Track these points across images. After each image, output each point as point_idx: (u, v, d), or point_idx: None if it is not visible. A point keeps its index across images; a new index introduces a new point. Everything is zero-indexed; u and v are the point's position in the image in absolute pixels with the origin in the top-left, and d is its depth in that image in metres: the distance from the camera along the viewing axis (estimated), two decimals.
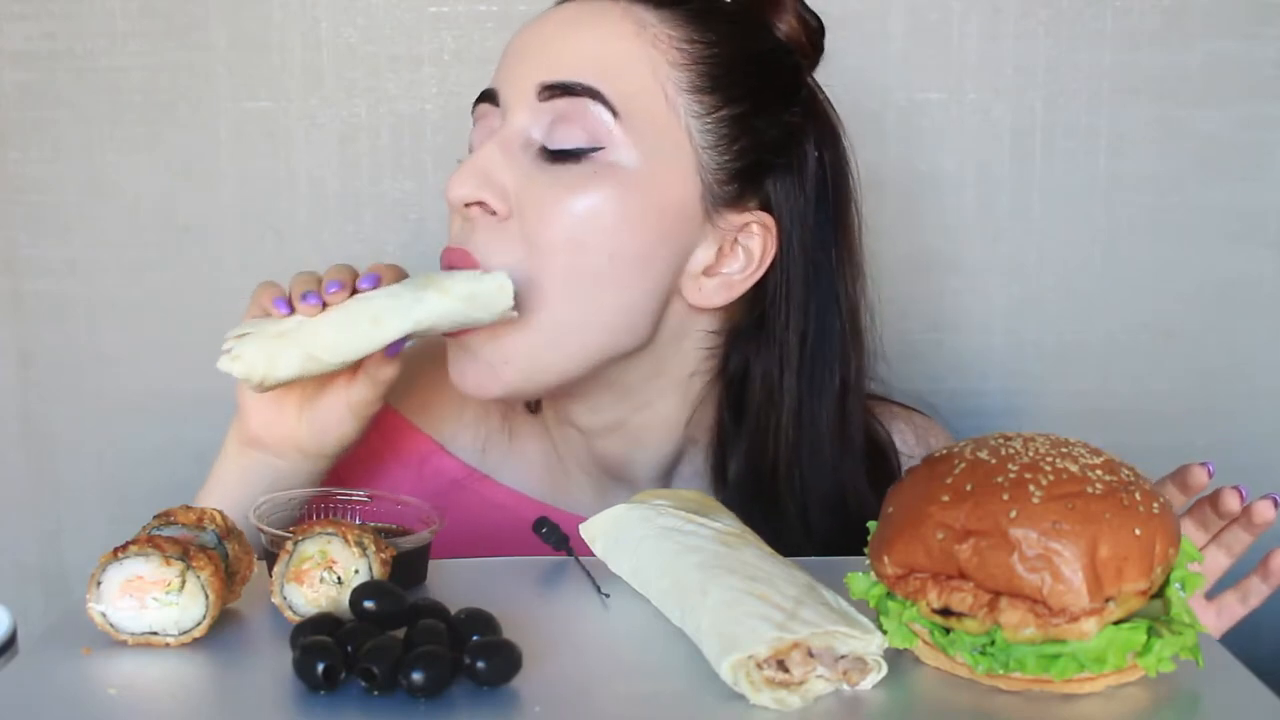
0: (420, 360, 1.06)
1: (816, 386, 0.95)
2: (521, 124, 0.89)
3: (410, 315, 0.84)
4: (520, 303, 0.85)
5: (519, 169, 0.88)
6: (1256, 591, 0.89)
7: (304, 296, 0.84)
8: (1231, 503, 0.87)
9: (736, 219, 0.91)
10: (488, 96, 0.92)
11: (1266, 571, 0.88)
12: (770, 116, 0.92)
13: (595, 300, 0.89)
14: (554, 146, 0.87)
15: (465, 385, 0.91)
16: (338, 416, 0.89)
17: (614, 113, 0.87)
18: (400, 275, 0.87)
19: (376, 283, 0.85)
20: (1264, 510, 0.87)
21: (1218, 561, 0.89)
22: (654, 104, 0.88)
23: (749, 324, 0.94)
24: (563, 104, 0.87)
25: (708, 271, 0.91)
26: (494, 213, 0.87)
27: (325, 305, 0.84)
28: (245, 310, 0.88)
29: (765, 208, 0.92)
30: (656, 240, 0.89)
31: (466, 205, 0.88)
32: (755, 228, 0.91)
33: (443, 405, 1.04)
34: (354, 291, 0.85)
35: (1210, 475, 0.88)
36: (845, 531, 0.93)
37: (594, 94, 0.87)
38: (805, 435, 0.95)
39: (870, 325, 0.99)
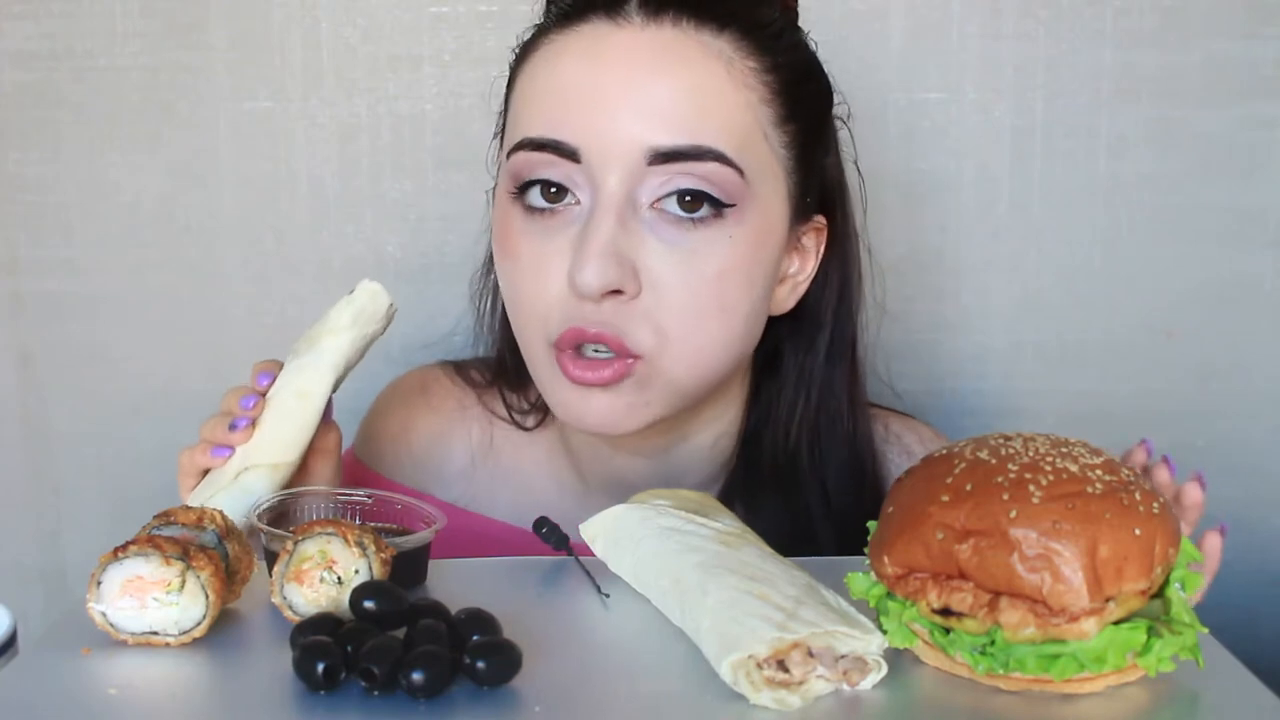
0: (388, 411, 1.06)
1: (836, 358, 0.96)
2: (626, 188, 0.83)
3: (324, 368, 0.85)
4: (661, 365, 0.85)
5: (639, 239, 0.83)
6: None
7: (232, 429, 0.84)
8: (1161, 475, 0.85)
9: (804, 227, 0.92)
10: (558, 149, 0.84)
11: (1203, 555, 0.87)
12: (823, 118, 0.93)
13: (735, 348, 0.89)
14: (682, 213, 0.83)
15: (591, 423, 0.87)
16: None
17: (740, 172, 0.83)
18: (278, 362, 0.87)
19: (272, 377, 0.85)
20: (1190, 493, 0.84)
21: None
22: (760, 147, 0.85)
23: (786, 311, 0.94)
24: (681, 168, 0.82)
25: (781, 280, 0.92)
26: (623, 292, 0.83)
27: (254, 422, 0.84)
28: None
29: (820, 207, 0.93)
30: (772, 277, 0.89)
31: (603, 295, 0.83)
32: (813, 229, 0.93)
33: (425, 449, 1.04)
34: (262, 395, 0.85)
35: (1150, 454, 0.87)
36: (860, 497, 0.95)
37: (720, 158, 0.83)
38: (826, 407, 0.96)
39: (869, 278, 1.01)
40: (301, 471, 0.87)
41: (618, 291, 0.83)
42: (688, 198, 0.83)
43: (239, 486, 0.83)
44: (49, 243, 1.30)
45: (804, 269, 0.93)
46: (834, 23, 1.24)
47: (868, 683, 0.64)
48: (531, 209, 0.86)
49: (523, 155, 0.85)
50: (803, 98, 0.89)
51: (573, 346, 0.85)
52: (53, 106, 1.27)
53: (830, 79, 0.94)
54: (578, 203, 0.85)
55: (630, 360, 0.85)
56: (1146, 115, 1.26)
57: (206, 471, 0.86)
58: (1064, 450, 0.67)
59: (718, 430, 0.97)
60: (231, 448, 0.84)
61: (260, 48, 1.26)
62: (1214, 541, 0.85)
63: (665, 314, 0.84)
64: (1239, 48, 1.24)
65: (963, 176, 1.27)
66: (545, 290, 0.85)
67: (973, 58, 1.25)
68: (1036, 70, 1.25)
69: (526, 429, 1.01)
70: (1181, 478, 0.87)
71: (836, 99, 0.95)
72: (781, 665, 0.62)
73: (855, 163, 0.99)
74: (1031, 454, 0.66)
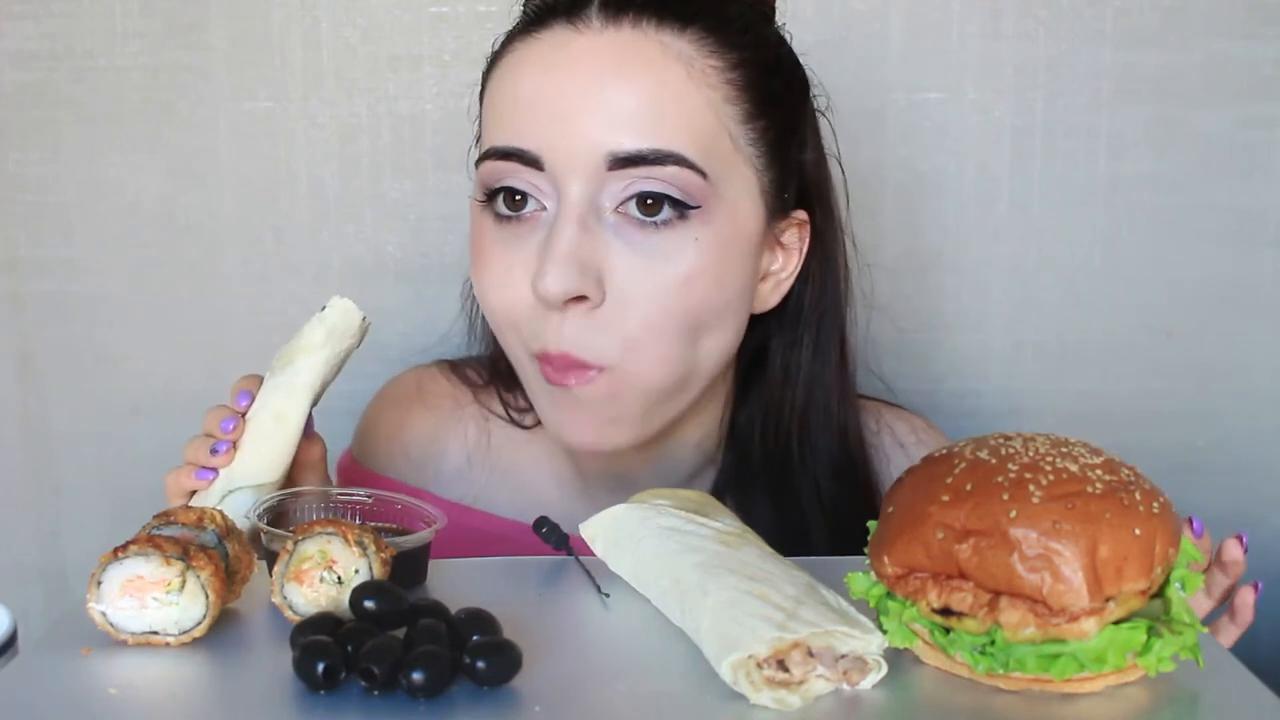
0: (384, 411, 1.06)
1: (824, 353, 0.96)
2: (587, 194, 0.83)
3: (299, 389, 0.85)
4: (626, 374, 0.85)
5: (602, 245, 0.83)
6: (1227, 632, 0.86)
7: (213, 452, 0.84)
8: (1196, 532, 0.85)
9: (784, 223, 0.91)
10: (520, 157, 0.84)
11: (1233, 611, 0.86)
12: (798, 112, 0.92)
13: (709, 350, 0.88)
14: (644, 216, 0.83)
15: (577, 440, 0.88)
16: None
17: (702, 175, 0.83)
18: (258, 378, 0.87)
19: (251, 396, 0.86)
20: (1230, 550, 0.85)
21: (1200, 604, 0.87)
22: (724, 147, 0.85)
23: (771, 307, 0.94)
24: (642, 172, 0.82)
25: (763, 278, 0.91)
26: (587, 299, 0.83)
27: (235, 444, 0.84)
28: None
29: (799, 201, 0.92)
30: (748, 276, 0.89)
31: (566, 302, 0.83)
32: (794, 224, 0.92)
33: (422, 449, 1.04)
34: (241, 416, 0.86)
35: (1199, 536, 0.86)
36: (852, 491, 0.96)
37: (681, 161, 0.82)
38: (816, 402, 0.96)
39: (855, 271, 1.00)
40: (287, 485, 0.87)
41: (582, 298, 0.83)
42: (648, 200, 0.83)
43: (226, 507, 0.83)
44: (49, 243, 1.30)
45: (787, 265, 0.93)
46: (834, 22, 1.24)
47: (868, 683, 0.64)
48: (500, 217, 0.86)
49: (489, 164, 0.86)
50: (772, 93, 0.88)
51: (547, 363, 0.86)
52: (53, 106, 1.27)
53: (809, 71, 0.94)
54: (544, 209, 0.85)
55: (594, 372, 0.85)
56: (1146, 115, 1.26)
57: (193, 493, 0.86)
58: (1064, 450, 0.67)
59: (701, 425, 0.97)
60: (215, 470, 0.85)
61: (260, 48, 1.26)
62: (1246, 597, 0.85)
63: (630, 321, 0.84)
64: (1239, 48, 1.24)
65: (963, 176, 1.27)
66: (515, 299, 0.86)
67: (973, 58, 1.25)
68: (1036, 70, 1.25)
69: (525, 427, 1.01)
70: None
71: (816, 92, 0.94)
72: (781, 665, 0.62)
73: (837, 158, 0.98)
74: (1031, 454, 0.66)
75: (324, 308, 0.85)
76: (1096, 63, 1.25)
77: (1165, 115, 1.26)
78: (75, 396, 1.33)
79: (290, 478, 0.87)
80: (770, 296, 0.93)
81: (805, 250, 0.93)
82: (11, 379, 1.33)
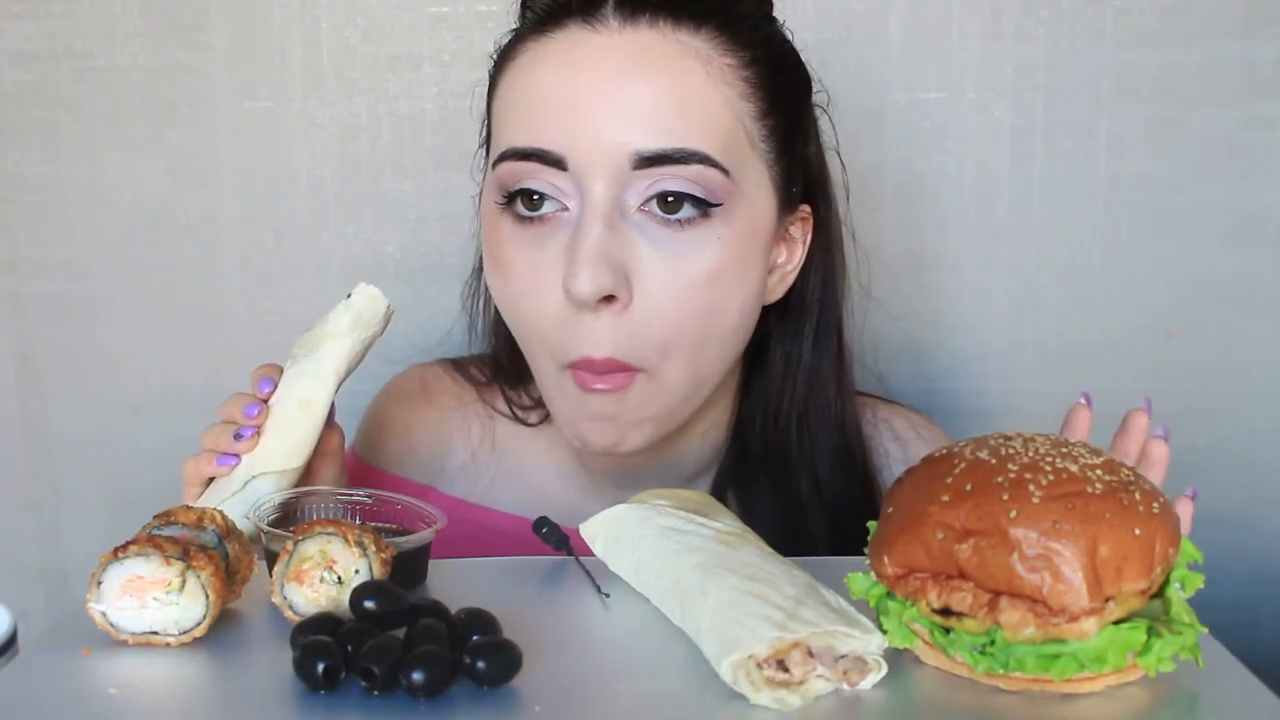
0: (388, 408, 1.06)
1: (823, 344, 0.97)
2: (612, 193, 0.83)
3: (325, 374, 0.85)
4: (662, 375, 0.86)
5: (629, 244, 0.83)
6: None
7: (237, 438, 0.84)
8: (1138, 421, 0.89)
9: (791, 217, 0.92)
10: (542, 157, 0.84)
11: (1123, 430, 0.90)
12: (802, 107, 0.92)
13: (728, 348, 0.89)
14: (667, 214, 0.83)
15: (597, 443, 0.88)
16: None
17: (725, 172, 0.83)
18: (278, 366, 0.87)
19: (273, 383, 0.85)
20: (1138, 431, 0.88)
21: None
22: (741, 144, 0.85)
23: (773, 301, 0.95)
24: (667, 170, 0.82)
25: (770, 271, 0.92)
26: (617, 299, 0.83)
27: (259, 430, 0.84)
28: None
29: (805, 196, 0.93)
30: (763, 270, 0.89)
31: (597, 303, 0.83)
32: (800, 218, 0.93)
33: (427, 446, 1.04)
34: (264, 402, 0.86)
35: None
36: (851, 483, 0.97)
37: (704, 159, 0.83)
38: (815, 393, 0.97)
39: (854, 264, 1.01)
40: (306, 474, 0.87)
41: (611, 298, 0.83)
42: (670, 198, 0.83)
43: (248, 494, 0.83)
44: (49, 243, 1.30)
45: (792, 259, 0.93)
46: (834, 23, 1.24)
47: (868, 683, 0.64)
48: (521, 218, 0.86)
49: (508, 165, 0.85)
50: (782, 89, 0.89)
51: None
52: (53, 106, 1.27)
53: (809, 68, 0.94)
54: (566, 209, 0.85)
55: (633, 373, 0.85)
56: (1146, 115, 1.26)
57: (210, 480, 0.86)
58: (1064, 450, 0.67)
59: (709, 420, 0.97)
60: (237, 456, 0.84)
61: (260, 48, 1.26)
62: (1185, 507, 0.86)
63: (660, 323, 0.84)
64: (1239, 48, 1.24)
65: (963, 176, 1.27)
66: (544, 306, 0.85)
67: (973, 58, 1.25)
68: (1036, 70, 1.25)
69: (530, 424, 1.02)
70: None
71: (817, 88, 0.95)
72: (781, 665, 0.62)
73: (837, 151, 0.99)
74: (1031, 454, 0.66)
75: (350, 295, 0.85)
76: (1096, 63, 1.25)
77: (1165, 115, 1.26)
78: (75, 396, 1.33)
79: (309, 467, 0.87)
80: (776, 289, 0.93)
81: (809, 243, 0.94)
82: (11, 379, 1.33)
